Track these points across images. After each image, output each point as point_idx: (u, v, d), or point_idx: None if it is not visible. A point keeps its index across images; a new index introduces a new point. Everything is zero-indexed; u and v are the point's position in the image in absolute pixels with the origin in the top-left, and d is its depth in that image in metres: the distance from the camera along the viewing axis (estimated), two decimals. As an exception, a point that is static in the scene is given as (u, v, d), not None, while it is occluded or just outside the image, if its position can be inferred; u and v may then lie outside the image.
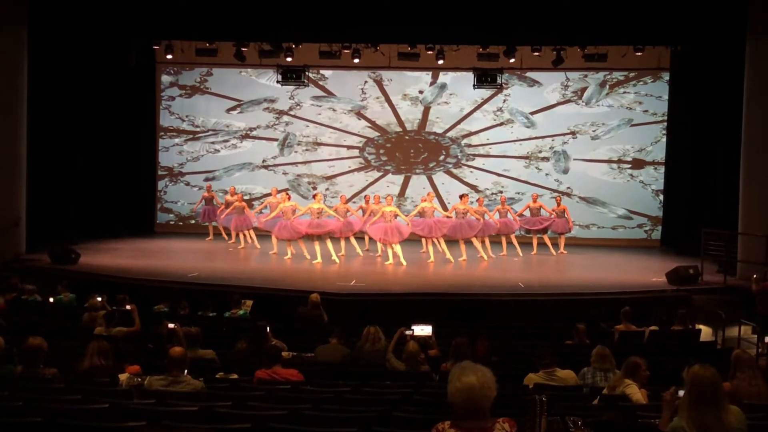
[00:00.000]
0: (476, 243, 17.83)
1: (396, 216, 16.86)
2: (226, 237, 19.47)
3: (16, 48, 16.18)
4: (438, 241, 17.34)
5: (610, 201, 21.63)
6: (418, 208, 17.38)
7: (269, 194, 19.13)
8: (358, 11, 16.90)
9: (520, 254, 18.46)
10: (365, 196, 19.81)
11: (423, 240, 17.64)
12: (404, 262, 16.62)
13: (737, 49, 15.92)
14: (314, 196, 17.57)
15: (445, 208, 19.34)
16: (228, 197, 19.37)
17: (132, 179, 21.47)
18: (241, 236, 18.84)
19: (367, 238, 18.75)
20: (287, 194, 17.77)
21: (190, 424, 5.84)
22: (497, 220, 18.01)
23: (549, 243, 18.92)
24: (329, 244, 17.07)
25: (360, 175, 22.26)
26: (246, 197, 20.39)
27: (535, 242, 18.92)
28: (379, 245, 17.59)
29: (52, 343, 7.31)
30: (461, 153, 22.07)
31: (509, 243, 18.67)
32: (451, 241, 17.77)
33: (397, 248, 16.81)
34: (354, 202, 20.66)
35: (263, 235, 18.60)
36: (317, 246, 16.81)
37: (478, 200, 18.55)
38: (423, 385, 7.77)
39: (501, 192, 21.45)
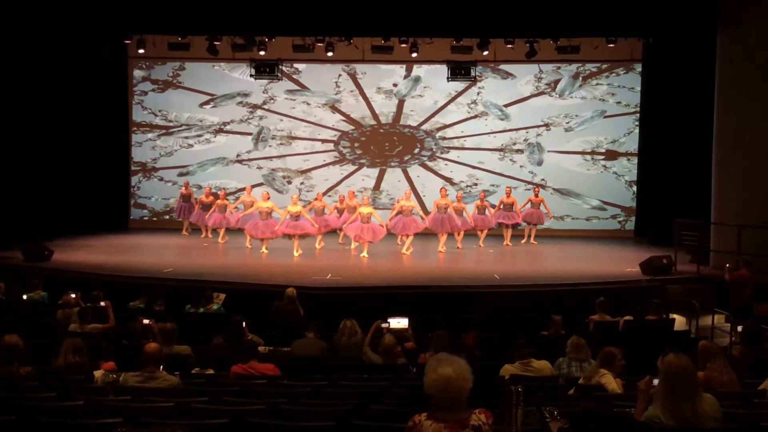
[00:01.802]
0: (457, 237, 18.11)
1: (371, 218, 16.85)
2: (209, 234, 19.39)
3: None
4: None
5: (584, 192, 21.75)
6: (397, 207, 17.37)
7: (244, 189, 19.08)
8: (331, 4, 16.88)
9: (509, 243, 18.76)
10: (340, 196, 19.64)
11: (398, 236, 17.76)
12: (365, 255, 16.68)
13: (708, 41, 16.03)
14: (292, 198, 17.51)
15: (422, 204, 19.42)
16: (203, 198, 19.27)
17: (105, 175, 21.28)
18: (221, 231, 18.81)
19: (341, 234, 18.77)
20: (267, 194, 17.61)
21: (166, 420, 5.82)
22: (475, 217, 18.19)
23: (526, 233, 19.49)
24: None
25: (335, 168, 22.22)
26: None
27: (508, 234, 19.12)
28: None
29: (26, 341, 7.25)
30: (436, 146, 22.10)
31: (485, 236, 18.85)
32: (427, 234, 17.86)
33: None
34: (329, 196, 20.67)
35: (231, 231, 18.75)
36: (295, 242, 16.87)
37: (456, 196, 18.55)
38: (400, 377, 7.77)
39: (476, 184, 21.55)
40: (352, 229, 16.88)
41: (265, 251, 16.94)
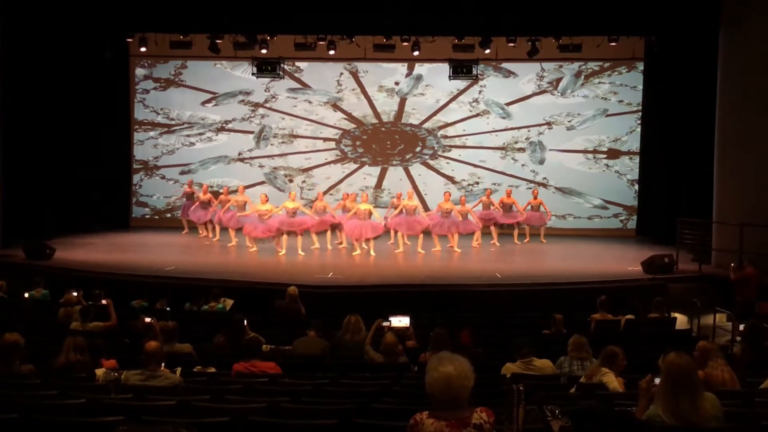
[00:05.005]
0: (456, 236, 18.06)
1: (371, 215, 16.91)
2: (209, 233, 19.30)
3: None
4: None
5: (586, 191, 21.72)
6: (401, 207, 17.38)
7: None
8: (333, 2, 16.87)
9: (497, 243, 18.65)
10: (343, 194, 19.59)
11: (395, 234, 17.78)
12: (372, 253, 16.77)
13: (711, 39, 16.03)
14: (290, 195, 17.61)
15: (423, 203, 19.42)
16: (200, 195, 19.15)
17: (107, 173, 21.25)
18: (217, 228, 18.76)
19: (340, 235, 18.80)
20: (265, 196, 17.56)
21: (168, 419, 5.82)
22: (481, 213, 18.33)
23: (527, 232, 19.38)
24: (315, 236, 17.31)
25: (336, 167, 22.21)
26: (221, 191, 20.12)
27: (515, 234, 19.11)
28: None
29: (27, 339, 7.26)
30: (438, 144, 22.08)
31: (486, 234, 18.83)
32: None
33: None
34: (330, 195, 20.67)
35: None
36: (285, 239, 16.85)
37: (461, 199, 18.50)
38: (401, 376, 7.78)
39: (477, 183, 21.54)
40: (351, 228, 16.90)
41: (254, 250, 16.95)
